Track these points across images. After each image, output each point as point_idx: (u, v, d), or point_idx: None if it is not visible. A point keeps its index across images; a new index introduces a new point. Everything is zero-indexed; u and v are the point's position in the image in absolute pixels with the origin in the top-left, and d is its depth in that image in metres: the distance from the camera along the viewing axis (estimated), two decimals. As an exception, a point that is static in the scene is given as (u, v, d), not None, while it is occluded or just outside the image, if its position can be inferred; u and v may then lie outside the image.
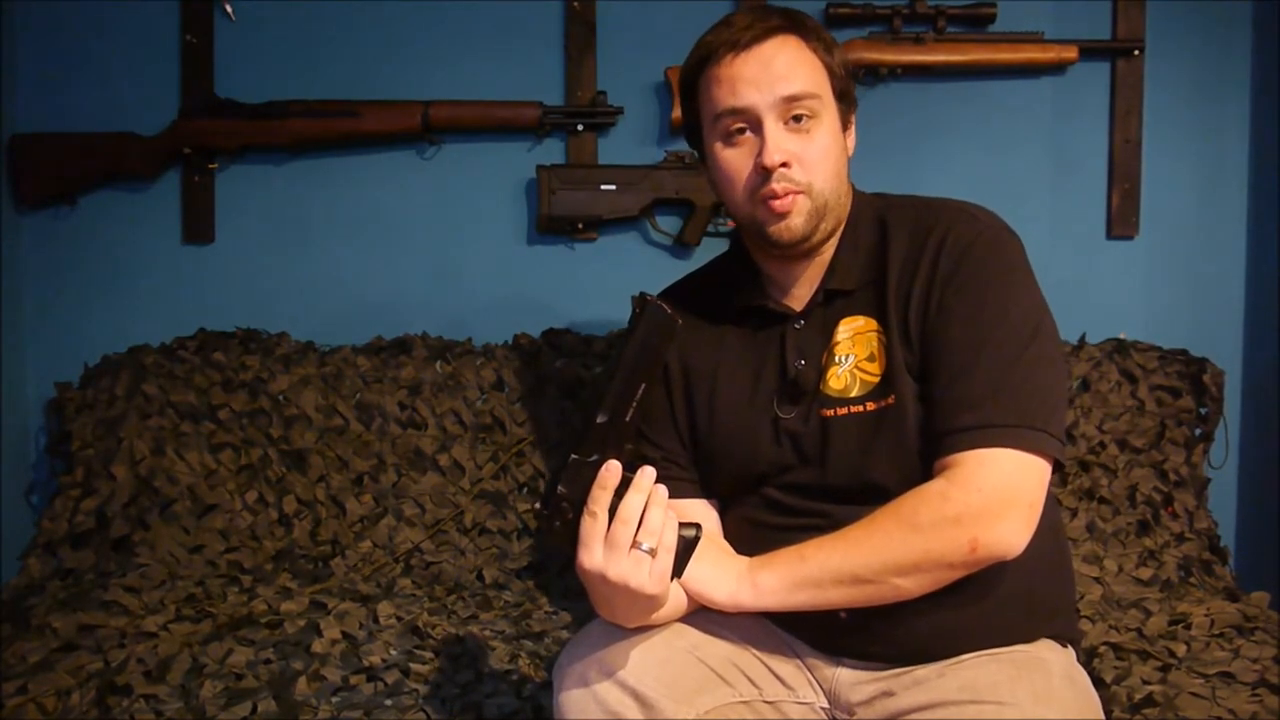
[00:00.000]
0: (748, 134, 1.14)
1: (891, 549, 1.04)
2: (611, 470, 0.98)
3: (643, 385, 1.00)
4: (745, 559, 1.11)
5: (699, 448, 1.23)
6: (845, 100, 1.18)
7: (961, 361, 1.07)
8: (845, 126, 1.19)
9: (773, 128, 1.12)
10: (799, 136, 1.13)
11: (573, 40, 2.00)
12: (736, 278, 1.25)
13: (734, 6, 1.96)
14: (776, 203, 1.13)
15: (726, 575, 1.09)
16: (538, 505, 1.02)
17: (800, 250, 1.17)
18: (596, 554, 0.98)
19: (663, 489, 1.00)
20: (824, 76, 1.15)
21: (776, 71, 1.12)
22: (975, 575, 1.07)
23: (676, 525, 1.00)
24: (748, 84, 1.12)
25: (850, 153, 1.21)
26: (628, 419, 1.00)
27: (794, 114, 1.13)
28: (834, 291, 1.18)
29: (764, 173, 1.13)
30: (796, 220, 1.13)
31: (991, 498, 1.03)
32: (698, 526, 1.02)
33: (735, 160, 1.15)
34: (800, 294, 1.20)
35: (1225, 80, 1.99)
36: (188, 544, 1.74)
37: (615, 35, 2.00)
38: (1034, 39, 1.94)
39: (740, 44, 1.13)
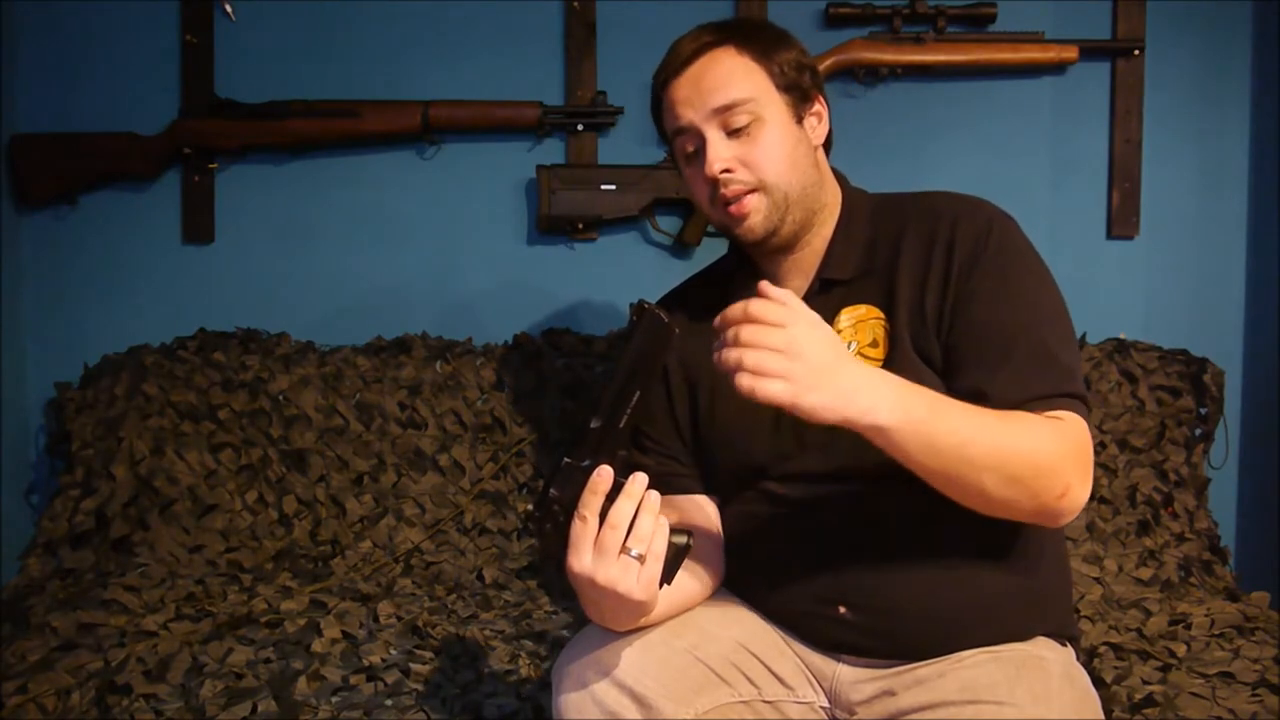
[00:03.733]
0: (698, 150, 1.19)
1: (1012, 450, 1.01)
2: (603, 475, 0.99)
3: (638, 392, 1.01)
4: (867, 371, 1.00)
5: (699, 443, 1.24)
6: (796, 92, 1.20)
7: (1009, 339, 1.08)
8: (801, 118, 1.21)
9: (713, 138, 1.17)
10: (740, 142, 1.17)
11: (573, 40, 2.00)
12: (734, 273, 1.27)
13: (733, 6, 1.97)
14: (732, 207, 1.17)
15: (848, 392, 0.97)
16: (530, 508, 1.03)
17: (774, 245, 1.19)
18: (586, 558, 0.99)
19: (655, 495, 1.00)
20: (761, 77, 1.18)
21: (706, 86, 1.17)
22: (972, 569, 1.08)
23: (667, 532, 1.00)
24: (683, 104, 1.18)
25: (819, 141, 1.23)
26: (621, 425, 1.01)
27: (732, 124, 1.16)
28: (830, 281, 1.19)
29: (712, 182, 1.17)
30: (756, 219, 1.17)
31: (1085, 455, 1.06)
32: (689, 533, 1.02)
33: (694, 176, 1.21)
34: (797, 285, 1.21)
35: (1225, 80, 1.99)
36: (188, 544, 1.74)
37: (615, 35, 2.00)
38: (1034, 39, 1.94)
39: (675, 68, 1.19)
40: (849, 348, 1.16)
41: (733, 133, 1.17)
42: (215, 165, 2.01)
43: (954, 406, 1.02)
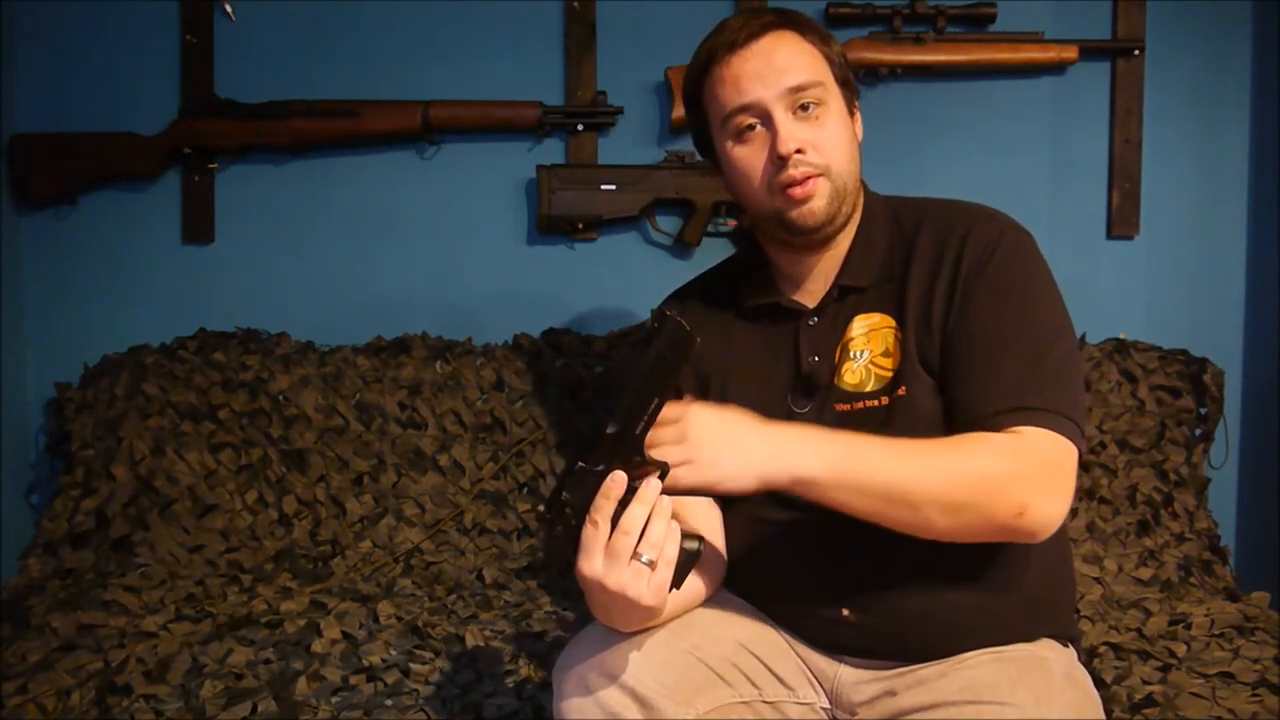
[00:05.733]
0: (758, 129, 1.15)
1: (948, 482, 1.01)
2: (616, 481, 0.98)
3: (656, 400, 1.00)
4: (778, 432, 1.03)
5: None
6: (848, 87, 1.20)
7: (993, 349, 1.08)
8: (851, 113, 1.21)
9: (783, 118, 1.14)
10: (809, 124, 1.14)
11: (573, 40, 2.00)
12: (748, 277, 1.26)
13: (733, 5, 1.97)
14: (797, 189, 1.14)
15: (756, 454, 1.00)
16: (541, 508, 1.02)
17: (823, 235, 1.17)
18: (597, 562, 0.98)
19: (667, 501, 0.99)
20: (824, 65, 1.17)
21: (779, 64, 1.14)
22: (976, 572, 1.08)
23: (679, 538, 1.00)
24: (752, 79, 1.14)
25: (859, 138, 1.22)
26: (637, 431, 1.00)
27: (801, 103, 1.14)
28: (848, 288, 1.19)
29: (780, 162, 1.14)
30: (819, 203, 1.14)
31: (1050, 472, 1.03)
32: (700, 539, 1.02)
33: (749, 156, 1.16)
34: (814, 290, 1.21)
35: (1225, 80, 1.99)
36: (188, 544, 1.74)
37: (615, 35, 2.00)
38: (1034, 39, 1.94)
39: (739, 43, 1.15)
40: (861, 356, 1.15)
41: (800, 115, 1.14)
42: (215, 165, 2.01)
43: (879, 446, 1.02)
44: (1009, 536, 1.04)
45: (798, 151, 1.13)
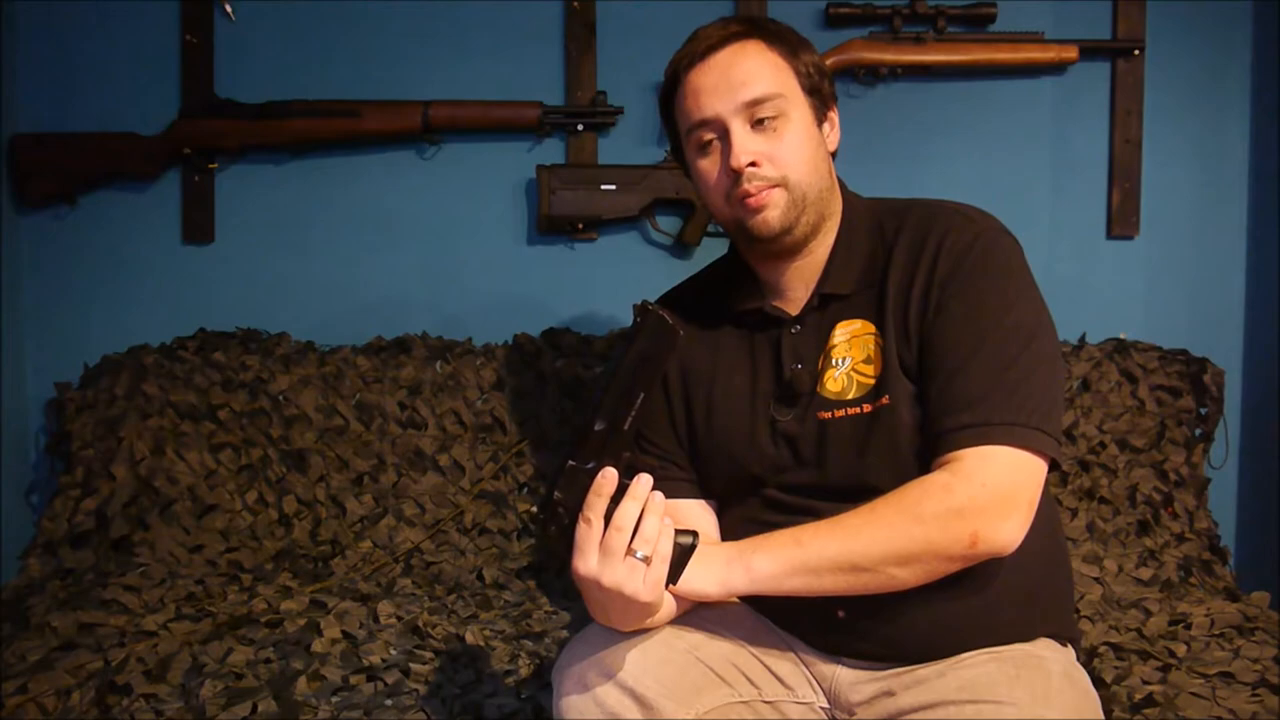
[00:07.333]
0: (717, 142, 1.16)
1: (892, 539, 1.04)
2: (608, 477, 0.99)
3: (642, 394, 1.00)
4: (733, 544, 1.10)
5: (696, 449, 1.24)
6: (817, 96, 1.19)
7: (958, 361, 1.08)
8: (821, 122, 1.20)
9: (738, 131, 1.14)
10: (766, 136, 1.15)
11: (573, 40, 2.00)
12: (733, 282, 1.25)
13: (733, 6, 1.97)
14: (751, 200, 1.14)
15: (715, 563, 1.07)
16: (535, 510, 1.03)
17: (784, 245, 1.17)
18: (591, 560, 0.99)
19: (659, 496, 1.00)
20: (788, 75, 1.16)
21: (736, 78, 1.14)
22: (972, 573, 1.08)
23: (673, 533, 1.00)
24: (709, 94, 1.15)
25: (833, 148, 1.22)
26: (625, 427, 1.00)
27: (759, 116, 1.14)
28: (829, 295, 1.18)
29: (734, 175, 1.14)
30: (773, 213, 1.15)
31: (995, 493, 1.03)
32: (694, 534, 1.02)
33: (709, 169, 1.18)
34: (796, 297, 1.20)
35: (1225, 80, 1.99)
36: (188, 544, 1.74)
37: (615, 35, 2.00)
38: (1034, 39, 1.94)
39: (699, 55, 1.16)
40: (843, 364, 1.15)
41: (757, 128, 1.14)
42: (215, 165, 2.01)
43: (819, 526, 1.06)
44: (975, 562, 1.05)
45: (752, 165, 1.13)
